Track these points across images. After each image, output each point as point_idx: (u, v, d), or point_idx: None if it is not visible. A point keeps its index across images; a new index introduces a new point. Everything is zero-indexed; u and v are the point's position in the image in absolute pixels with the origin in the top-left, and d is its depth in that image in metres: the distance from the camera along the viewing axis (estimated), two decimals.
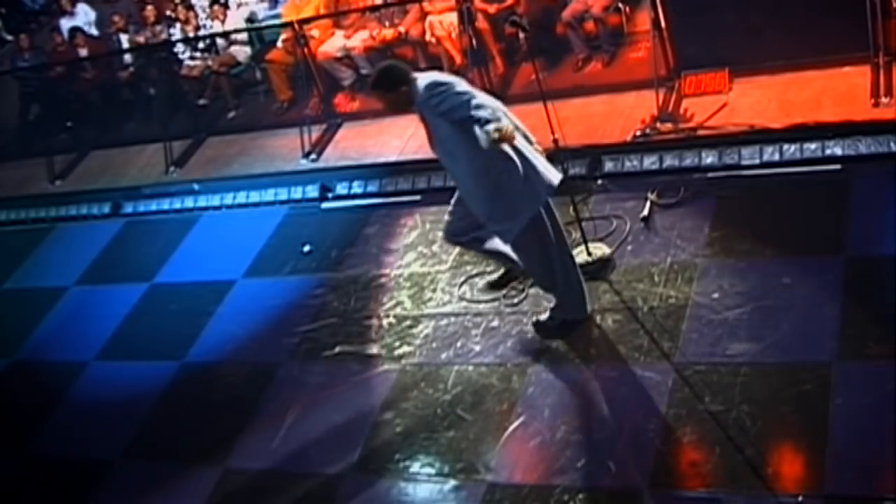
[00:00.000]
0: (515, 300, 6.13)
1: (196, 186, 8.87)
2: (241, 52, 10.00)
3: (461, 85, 5.08)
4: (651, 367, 5.30)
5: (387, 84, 5.22)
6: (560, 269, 5.47)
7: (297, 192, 8.22)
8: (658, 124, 7.04)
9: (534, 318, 5.83)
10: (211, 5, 10.00)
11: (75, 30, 11.04)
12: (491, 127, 4.79)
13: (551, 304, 5.72)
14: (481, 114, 4.86)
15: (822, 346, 5.01)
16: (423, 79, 5.19)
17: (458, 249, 6.76)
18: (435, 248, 6.93)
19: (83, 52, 10.84)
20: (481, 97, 5.06)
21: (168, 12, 10.61)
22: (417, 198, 7.58)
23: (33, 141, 11.12)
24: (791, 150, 6.41)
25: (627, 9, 8.19)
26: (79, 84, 10.79)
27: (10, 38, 12.60)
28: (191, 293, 7.49)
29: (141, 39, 10.57)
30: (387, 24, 8.87)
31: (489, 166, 5.12)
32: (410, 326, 6.29)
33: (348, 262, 7.15)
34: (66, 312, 8.00)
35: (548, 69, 8.19)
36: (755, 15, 6.97)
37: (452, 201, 5.59)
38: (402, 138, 8.26)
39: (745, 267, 5.75)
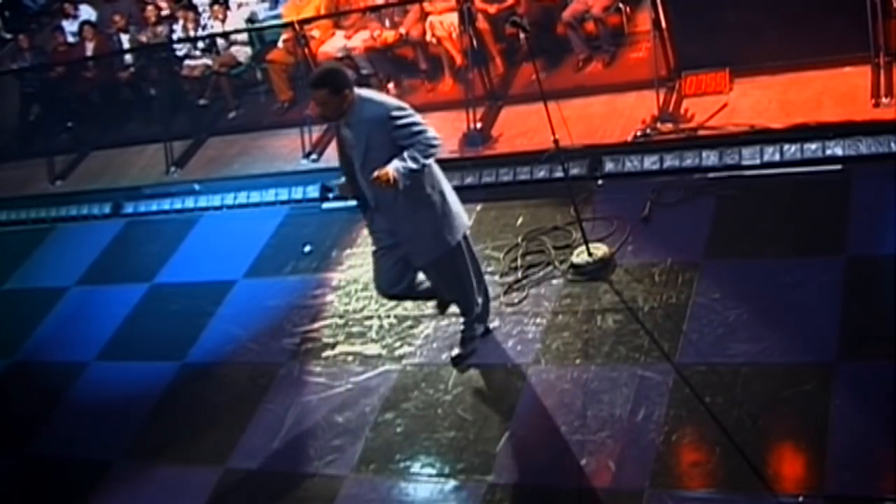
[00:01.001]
0: (516, 300, 6.13)
1: (196, 187, 8.87)
2: (242, 53, 10.00)
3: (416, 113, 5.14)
4: (651, 367, 5.29)
5: (335, 83, 5.02)
6: (479, 289, 5.68)
7: (297, 193, 8.22)
8: (658, 124, 7.04)
9: (453, 354, 5.82)
10: (211, 5, 10.01)
11: (85, 23, 11.05)
12: (400, 167, 4.92)
13: (462, 335, 5.80)
14: (421, 155, 4.99)
15: (822, 346, 5.01)
16: (366, 95, 5.13)
17: None
18: None
19: (90, 45, 10.83)
20: (431, 132, 5.10)
21: (167, 11, 10.61)
22: None
23: (34, 141, 11.13)
24: (791, 150, 6.41)
25: (628, 9, 8.19)
26: (79, 84, 10.80)
27: (9, 37, 12.61)
28: (191, 293, 7.48)
29: (143, 39, 10.57)
30: (387, 23, 8.86)
31: (422, 187, 5.18)
32: (411, 326, 6.28)
33: (348, 262, 7.15)
34: (66, 313, 8.00)
35: (548, 69, 8.20)
36: (755, 15, 6.97)
37: (376, 254, 5.49)
38: None
39: (745, 267, 5.75)
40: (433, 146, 5.06)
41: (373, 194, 5.24)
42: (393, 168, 4.92)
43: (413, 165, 4.99)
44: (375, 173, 4.92)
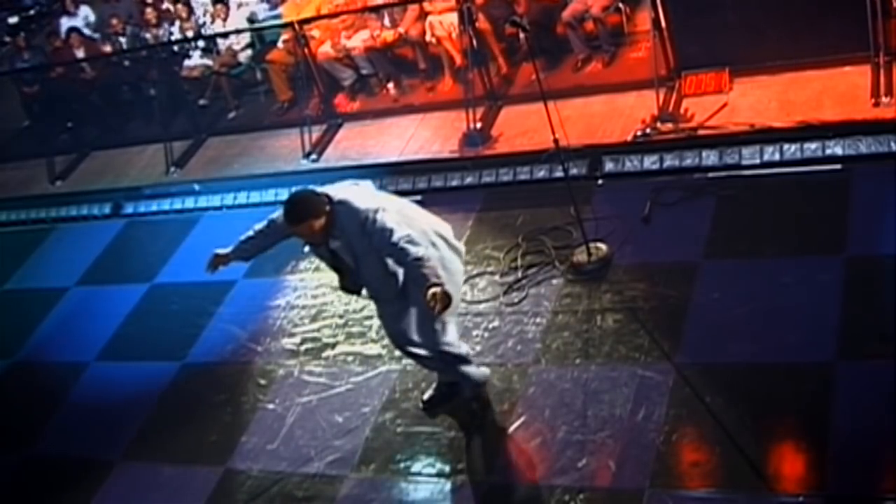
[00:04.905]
0: (515, 300, 6.13)
1: (196, 187, 8.88)
2: (242, 53, 10.00)
3: (389, 210, 4.75)
4: (651, 367, 5.30)
5: (315, 212, 4.67)
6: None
7: None
8: (658, 124, 7.04)
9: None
10: (214, 4, 10.01)
11: (72, 30, 11.05)
12: (430, 291, 4.42)
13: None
14: (416, 254, 4.56)
15: (822, 346, 5.01)
16: (342, 200, 4.71)
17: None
18: None
19: (79, 53, 10.84)
20: (405, 225, 4.71)
21: (167, 4, 10.63)
22: (418, 198, 7.54)
23: (34, 141, 11.12)
24: (791, 149, 6.40)
25: (627, 9, 8.18)
26: (79, 85, 10.79)
27: (8, 39, 12.61)
28: (191, 293, 7.48)
29: (148, 36, 10.58)
30: (387, 20, 8.84)
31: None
32: None
33: None
34: (66, 313, 8.00)
35: (548, 69, 8.18)
36: (755, 14, 6.96)
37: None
38: (402, 139, 8.27)
39: (745, 267, 5.75)
40: (419, 259, 4.55)
41: (375, 290, 5.03)
42: (435, 282, 4.45)
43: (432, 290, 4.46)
44: (429, 293, 4.42)
